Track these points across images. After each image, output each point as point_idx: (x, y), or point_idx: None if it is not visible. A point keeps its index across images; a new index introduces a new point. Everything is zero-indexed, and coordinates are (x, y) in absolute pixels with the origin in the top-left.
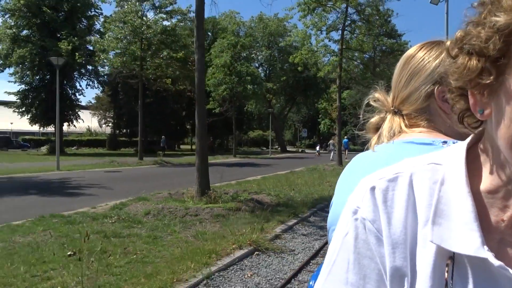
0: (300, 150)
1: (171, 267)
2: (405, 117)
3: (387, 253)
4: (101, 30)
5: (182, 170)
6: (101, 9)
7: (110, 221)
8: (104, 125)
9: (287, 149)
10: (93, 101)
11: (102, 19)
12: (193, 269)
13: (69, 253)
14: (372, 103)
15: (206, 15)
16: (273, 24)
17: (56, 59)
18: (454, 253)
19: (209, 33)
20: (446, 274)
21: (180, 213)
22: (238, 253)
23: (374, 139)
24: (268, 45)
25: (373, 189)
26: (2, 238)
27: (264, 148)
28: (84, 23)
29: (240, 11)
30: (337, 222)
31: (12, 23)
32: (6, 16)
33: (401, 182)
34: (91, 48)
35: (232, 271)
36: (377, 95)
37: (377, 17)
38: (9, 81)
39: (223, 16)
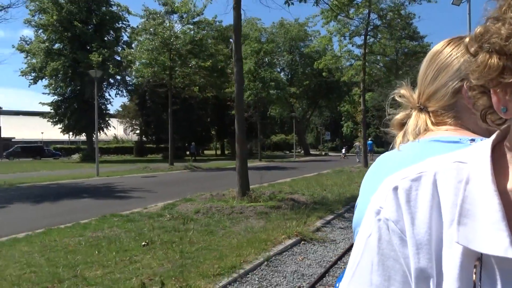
0: (323, 153)
1: (235, 252)
2: (431, 114)
3: (412, 254)
4: (128, 41)
5: (212, 174)
6: (128, 21)
7: (165, 219)
8: (130, 133)
9: (310, 152)
10: (119, 110)
11: (129, 30)
12: (254, 254)
13: (143, 243)
14: (397, 98)
15: (227, 23)
16: (294, 29)
17: (95, 71)
18: (482, 254)
19: (231, 40)
20: (474, 275)
21: (226, 211)
22: (288, 242)
23: (399, 137)
24: (290, 50)
25: (396, 189)
26: (79, 233)
27: (287, 152)
28: (112, 35)
29: (261, 17)
30: (360, 223)
31: (45, 38)
32: (39, 31)
33: (425, 182)
34: (118, 58)
35: (286, 256)
36: (402, 91)
37: (399, 20)
38: (43, 93)
39: (245, 23)
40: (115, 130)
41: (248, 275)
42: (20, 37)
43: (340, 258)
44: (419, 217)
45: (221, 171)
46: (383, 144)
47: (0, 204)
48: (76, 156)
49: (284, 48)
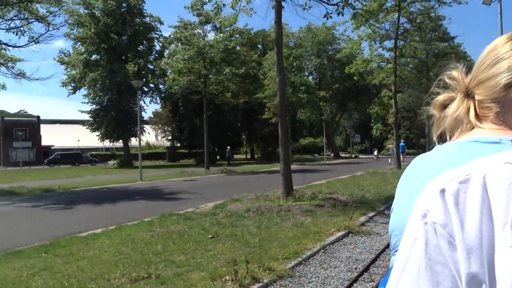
0: (353, 155)
1: (294, 242)
2: (476, 103)
3: (462, 258)
4: (160, 50)
5: (248, 177)
6: (160, 31)
7: (219, 217)
8: (162, 139)
9: (340, 155)
10: (151, 116)
11: (161, 40)
12: (310, 243)
13: (209, 236)
14: (446, 79)
15: (257, 28)
16: (321, 33)
17: (137, 82)
18: None
19: (259, 46)
20: None
21: (275, 209)
22: (338, 234)
23: (435, 132)
24: (318, 53)
25: (443, 191)
26: (147, 229)
27: (316, 155)
28: (145, 45)
29: (288, 22)
30: (399, 227)
31: (83, 50)
32: (78, 44)
33: (474, 184)
34: (151, 67)
35: (338, 245)
36: (454, 73)
37: (428, 22)
38: (82, 102)
39: (272, 29)
40: (149, 136)
41: (309, 260)
42: (59, 50)
43: (387, 246)
44: (468, 221)
45: (256, 175)
46: (414, 145)
47: (67, 205)
48: (111, 162)
49: (312, 52)
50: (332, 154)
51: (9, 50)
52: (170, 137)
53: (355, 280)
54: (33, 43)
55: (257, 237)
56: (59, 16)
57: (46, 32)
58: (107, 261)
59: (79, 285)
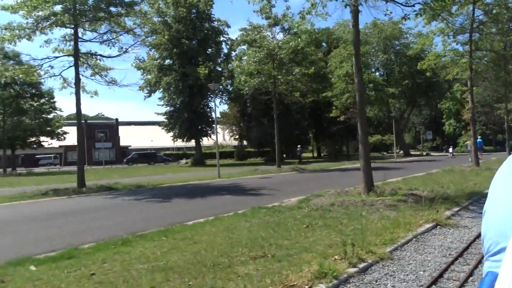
0: (424, 153)
1: (386, 231)
2: None
3: None
4: (227, 53)
5: (320, 175)
6: (227, 34)
7: (306, 210)
8: (230, 138)
9: (410, 152)
10: (218, 117)
11: (228, 43)
12: (402, 233)
13: (304, 225)
14: None
15: (320, 26)
16: (388, 28)
17: (213, 85)
18: None
19: (324, 44)
20: None
21: (359, 204)
22: (426, 226)
23: None
24: (384, 49)
25: None
26: (244, 219)
27: (384, 153)
28: (214, 48)
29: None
30: (494, 231)
31: (157, 55)
32: (152, 50)
33: None
34: (219, 69)
35: (428, 235)
36: None
37: (506, 12)
38: (157, 104)
39: (337, 26)
40: (218, 135)
41: (404, 246)
42: (135, 57)
43: (478, 236)
44: None
45: (327, 172)
46: (491, 142)
47: (164, 199)
48: (183, 161)
49: (379, 48)
50: (402, 151)
51: (103, 60)
52: (237, 137)
53: (451, 263)
54: (122, 53)
55: (350, 227)
56: (142, 27)
57: (135, 43)
58: (221, 243)
59: (209, 260)
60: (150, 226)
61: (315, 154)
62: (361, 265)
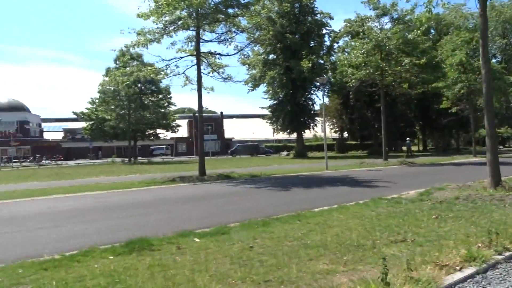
0: None
1: None
2: None
3: None
4: (329, 45)
5: (431, 169)
6: (330, 26)
7: (429, 203)
8: (330, 131)
9: None
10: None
11: (331, 35)
12: None
13: (433, 216)
14: None
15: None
16: (508, 10)
17: (322, 78)
18: None
19: (432, 31)
20: None
21: (487, 198)
22: None
23: None
24: (503, 33)
25: None
26: (368, 209)
27: (501, 147)
28: (317, 41)
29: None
30: None
31: (262, 51)
32: (257, 46)
33: None
34: (321, 61)
35: None
36: None
37: None
38: (262, 98)
39: (447, 11)
40: (316, 128)
41: None
42: (240, 53)
43: None
44: None
45: (439, 166)
46: None
47: (283, 188)
48: (284, 153)
49: (496, 32)
50: None
51: (220, 58)
52: (337, 129)
53: None
54: (238, 51)
55: (483, 220)
56: (257, 26)
57: (249, 43)
58: (356, 228)
59: (352, 241)
60: (279, 211)
61: (421, 148)
62: (507, 254)
